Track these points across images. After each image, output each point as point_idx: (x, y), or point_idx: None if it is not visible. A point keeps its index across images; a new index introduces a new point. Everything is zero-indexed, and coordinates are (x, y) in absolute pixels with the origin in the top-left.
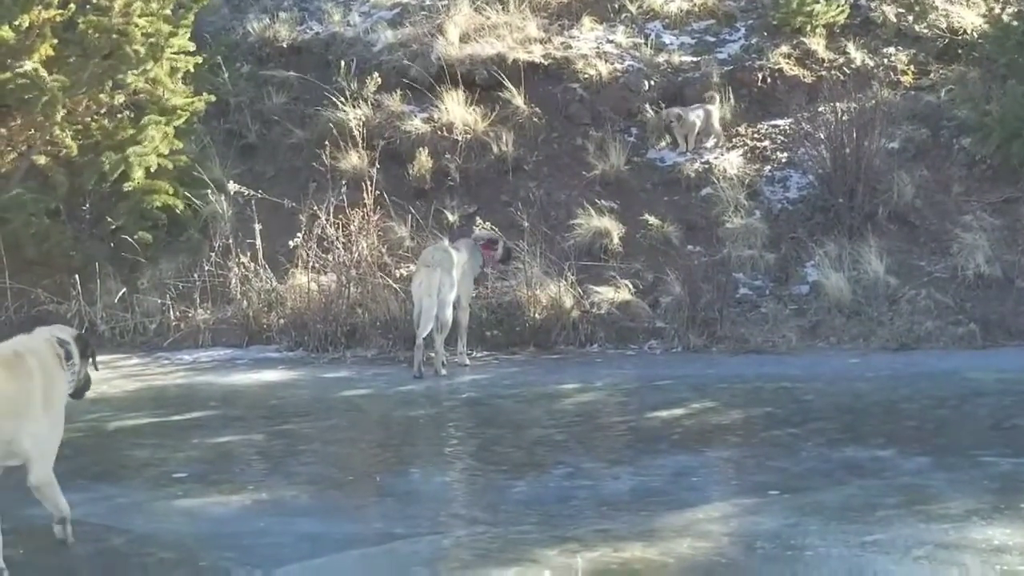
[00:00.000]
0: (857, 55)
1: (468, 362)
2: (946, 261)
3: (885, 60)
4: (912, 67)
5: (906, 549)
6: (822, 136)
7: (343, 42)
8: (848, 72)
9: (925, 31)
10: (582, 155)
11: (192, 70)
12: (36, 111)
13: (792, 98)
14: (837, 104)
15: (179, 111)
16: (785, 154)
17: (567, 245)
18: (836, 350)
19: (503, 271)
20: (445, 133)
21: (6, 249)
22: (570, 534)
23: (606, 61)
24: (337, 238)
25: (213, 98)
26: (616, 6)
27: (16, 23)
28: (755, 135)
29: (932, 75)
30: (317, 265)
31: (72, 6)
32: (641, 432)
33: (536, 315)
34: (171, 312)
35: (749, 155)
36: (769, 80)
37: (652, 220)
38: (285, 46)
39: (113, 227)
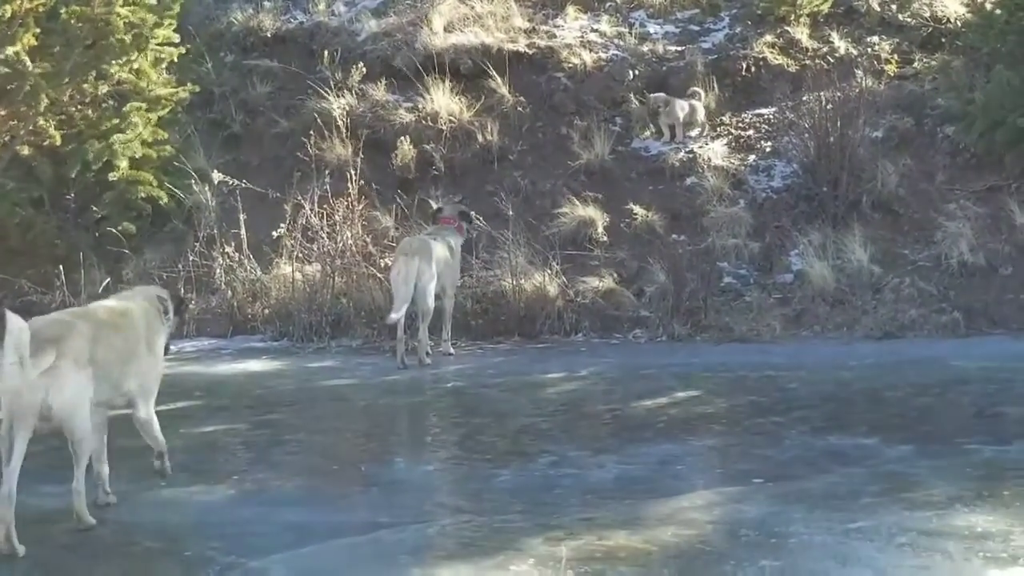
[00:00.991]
0: (841, 44)
1: (452, 351)
2: (930, 249)
3: (869, 49)
4: (896, 56)
5: (890, 536)
6: (806, 125)
7: (327, 31)
8: (832, 61)
9: (908, 20)
10: (567, 144)
11: (176, 60)
12: (19, 100)
13: (776, 87)
14: (821, 93)
15: (163, 101)
16: (769, 143)
17: (552, 234)
18: (820, 339)
19: (487, 262)
20: (430, 123)
21: None
22: (555, 522)
23: (590, 50)
24: (322, 228)
25: (197, 88)
26: None
27: None
28: (739, 124)
29: (916, 64)
30: (302, 255)
31: None
32: (625, 421)
33: (521, 304)
34: None
35: (733, 144)
36: (753, 69)
37: (637, 209)
38: (269, 35)
39: (98, 217)
